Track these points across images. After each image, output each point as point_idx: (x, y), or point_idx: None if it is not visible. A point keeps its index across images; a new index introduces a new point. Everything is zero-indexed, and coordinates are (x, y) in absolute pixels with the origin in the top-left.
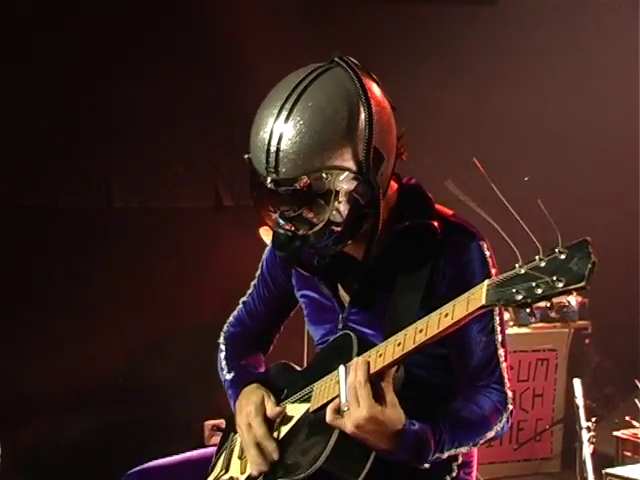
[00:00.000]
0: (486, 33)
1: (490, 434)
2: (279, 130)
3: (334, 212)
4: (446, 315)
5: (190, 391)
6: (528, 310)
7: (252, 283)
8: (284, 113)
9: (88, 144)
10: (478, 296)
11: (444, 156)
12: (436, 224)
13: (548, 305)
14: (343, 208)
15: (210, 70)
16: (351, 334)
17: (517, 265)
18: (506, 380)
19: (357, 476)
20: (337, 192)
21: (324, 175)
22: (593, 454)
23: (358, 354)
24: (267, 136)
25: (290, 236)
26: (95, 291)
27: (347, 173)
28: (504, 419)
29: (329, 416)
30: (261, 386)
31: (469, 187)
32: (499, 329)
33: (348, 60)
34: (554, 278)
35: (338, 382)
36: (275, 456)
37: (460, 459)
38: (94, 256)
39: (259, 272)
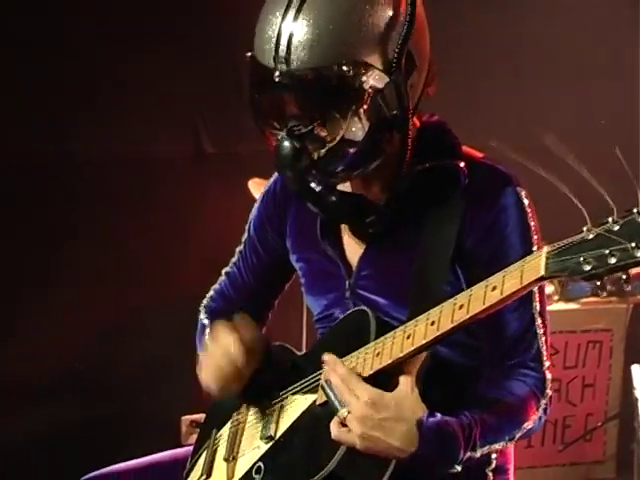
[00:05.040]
0: None
1: (528, 425)
2: (295, 10)
3: (353, 128)
4: (494, 289)
5: (166, 380)
6: (598, 283)
7: (237, 249)
8: None
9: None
10: (535, 266)
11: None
12: (462, 165)
13: (624, 277)
14: (363, 123)
15: (193, 6)
16: (368, 311)
17: (584, 228)
18: (544, 358)
19: None
20: (357, 98)
21: (345, 68)
22: None
23: (377, 337)
24: (279, 19)
25: (297, 150)
26: (49, 261)
27: (375, 71)
28: (542, 408)
29: (334, 431)
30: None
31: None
32: (537, 296)
33: None
34: (633, 245)
35: (366, 358)
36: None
37: (494, 463)
38: (47, 217)
39: (245, 236)
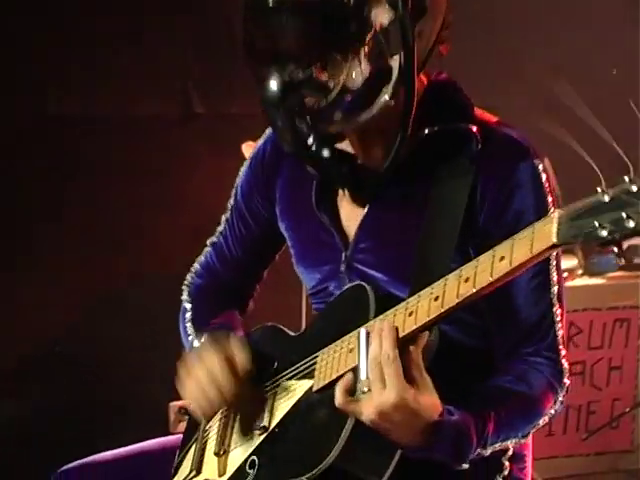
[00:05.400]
0: None
1: (542, 420)
2: None
3: (353, 73)
4: (502, 258)
5: (153, 363)
6: (616, 250)
7: (223, 217)
8: None
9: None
10: (546, 232)
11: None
12: (475, 129)
13: None
14: (363, 68)
15: None
16: (366, 287)
17: (599, 189)
18: (561, 346)
19: (380, 475)
20: (359, 33)
21: None
22: None
23: (376, 315)
24: None
25: (286, 85)
26: (22, 229)
27: (380, 3)
28: (559, 400)
29: (340, 398)
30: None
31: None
32: (555, 277)
33: None
34: None
35: (352, 351)
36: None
37: (510, 451)
38: (27, 183)
39: (232, 202)
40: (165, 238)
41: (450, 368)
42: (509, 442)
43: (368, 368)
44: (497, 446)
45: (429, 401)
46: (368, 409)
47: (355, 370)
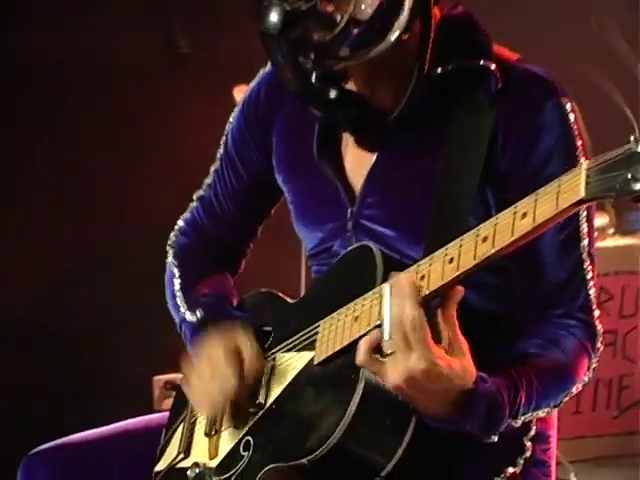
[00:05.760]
0: None
1: (575, 388)
2: None
3: (362, 5)
4: (524, 215)
5: (136, 333)
6: None
7: (212, 168)
8: None
9: None
10: (574, 186)
11: None
12: (493, 67)
13: None
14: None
15: None
16: (372, 247)
17: (632, 138)
18: (594, 307)
19: (389, 457)
20: None
21: None
22: None
23: (384, 279)
24: None
25: (289, 16)
26: None
27: None
28: (592, 366)
29: (362, 355)
30: (240, 325)
31: None
32: (585, 229)
33: None
34: None
35: (357, 319)
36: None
37: (533, 430)
38: (2, 134)
39: (222, 151)
40: (150, 193)
41: (471, 336)
42: (540, 412)
43: (391, 329)
44: (528, 416)
45: (462, 366)
46: (393, 373)
47: (381, 327)
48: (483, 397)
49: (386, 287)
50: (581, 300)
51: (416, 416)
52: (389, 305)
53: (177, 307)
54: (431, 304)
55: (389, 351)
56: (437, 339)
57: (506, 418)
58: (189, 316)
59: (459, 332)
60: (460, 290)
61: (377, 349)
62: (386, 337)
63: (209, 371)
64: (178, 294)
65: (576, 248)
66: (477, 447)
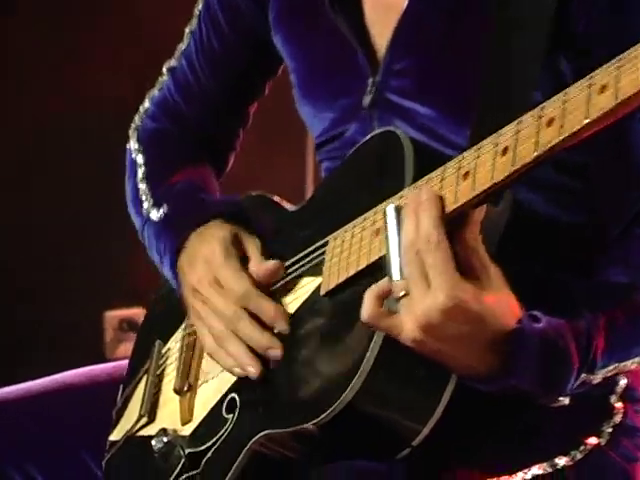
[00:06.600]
0: None
1: None
2: None
3: None
4: (602, 89)
5: (81, 255)
6: None
7: (186, 29)
8: None
9: None
10: None
11: None
12: None
13: None
14: None
15: None
16: (400, 135)
17: None
18: None
19: (424, 419)
20: None
21: None
22: None
23: (416, 177)
24: None
25: None
26: None
27: None
28: None
29: (368, 310)
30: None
31: None
32: None
33: None
34: None
35: (380, 232)
36: (284, 327)
37: (621, 385)
38: None
39: (200, 7)
40: (107, 73)
41: (533, 257)
42: (629, 362)
43: (402, 261)
44: (611, 369)
45: (498, 301)
46: (407, 323)
47: (386, 267)
48: (533, 342)
49: (389, 208)
50: None
51: None
52: (396, 232)
53: (139, 203)
54: (456, 227)
55: (400, 293)
56: (464, 270)
57: (574, 372)
58: (153, 211)
59: (489, 259)
60: (483, 207)
61: (384, 298)
62: (396, 276)
63: (204, 277)
64: (141, 185)
65: None
66: (541, 412)
